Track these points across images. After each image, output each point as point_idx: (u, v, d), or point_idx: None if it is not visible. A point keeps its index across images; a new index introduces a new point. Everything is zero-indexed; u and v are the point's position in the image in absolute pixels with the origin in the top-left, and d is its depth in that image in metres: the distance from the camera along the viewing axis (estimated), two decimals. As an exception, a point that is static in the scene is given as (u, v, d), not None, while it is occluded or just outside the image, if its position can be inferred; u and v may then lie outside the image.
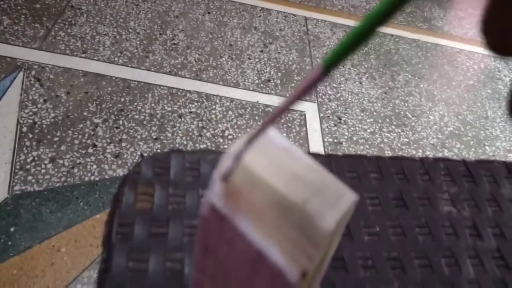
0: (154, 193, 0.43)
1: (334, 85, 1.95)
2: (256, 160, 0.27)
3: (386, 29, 2.38)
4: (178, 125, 1.56)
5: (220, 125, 1.61)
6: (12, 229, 1.17)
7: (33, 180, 1.29)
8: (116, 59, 1.74)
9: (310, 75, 0.20)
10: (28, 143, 1.38)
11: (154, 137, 1.49)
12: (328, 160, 0.53)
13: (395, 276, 0.45)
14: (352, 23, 2.35)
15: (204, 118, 1.62)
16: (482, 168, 0.57)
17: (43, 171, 1.32)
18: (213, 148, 1.52)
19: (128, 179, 0.43)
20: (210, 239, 0.29)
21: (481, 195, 0.54)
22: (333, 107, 1.83)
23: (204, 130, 1.57)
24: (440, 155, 1.78)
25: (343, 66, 2.06)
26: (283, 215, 0.26)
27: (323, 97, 1.87)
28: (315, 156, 0.53)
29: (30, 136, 1.40)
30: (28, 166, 1.32)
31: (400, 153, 1.74)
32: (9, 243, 1.15)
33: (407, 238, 0.48)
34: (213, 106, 1.67)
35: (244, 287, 0.29)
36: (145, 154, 1.43)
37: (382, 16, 0.17)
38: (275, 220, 0.26)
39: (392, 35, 2.35)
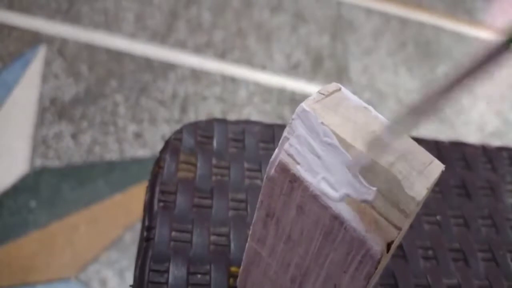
0: (196, 162, 0.39)
1: (368, 74, 1.88)
2: (335, 121, 0.23)
3: (425, 18, 2.30)
4: (201, 107, 1.53)
5: (244, 110, 1.57)
6: (32, 204, 1.15)
7: (54, 156, 1.27)
8: (139, 36, 1.70)
9: (486, 50, 0.15)
10: (50, 118, 1.36)
11: (177, 118, 1.46)
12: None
13: (457, 269, 0.40)
14: (388, 8, 2.27)
15: (228, 102, 1.58)
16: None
17: (64, 147, 1.30)
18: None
19: (169, 146, 0.39)
20: (275, 203, 0.25)
21: (550, 187, 0.49)
22: (366, 97, 1.77)
23: (228, 115, 1.53)
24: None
25: (377, 54, 1.99)
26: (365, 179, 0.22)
27: (356, 86, 1.81)
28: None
29: (52, 110, 1.38)
30: (49, 141, 1.30)
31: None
32: (30, 217, 1.13)
33: (470, 229, 0.44)
34: (238, 90, 1.63)
35: (311, 261, 0.25)
36: (167, 136, 1.40)
37: None
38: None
39: (432, 25, 2.27)
